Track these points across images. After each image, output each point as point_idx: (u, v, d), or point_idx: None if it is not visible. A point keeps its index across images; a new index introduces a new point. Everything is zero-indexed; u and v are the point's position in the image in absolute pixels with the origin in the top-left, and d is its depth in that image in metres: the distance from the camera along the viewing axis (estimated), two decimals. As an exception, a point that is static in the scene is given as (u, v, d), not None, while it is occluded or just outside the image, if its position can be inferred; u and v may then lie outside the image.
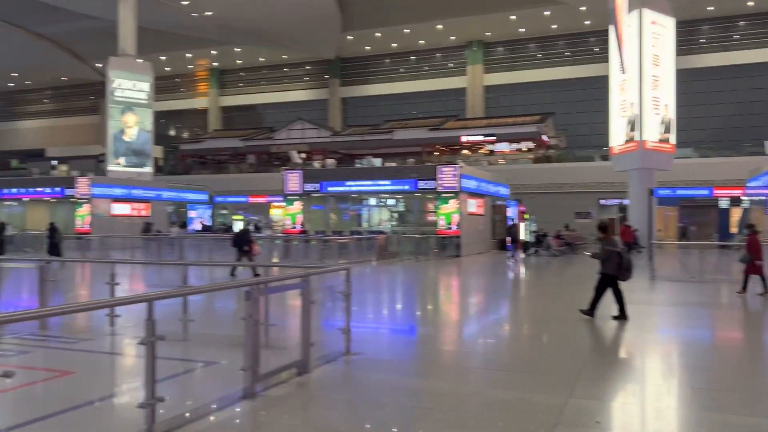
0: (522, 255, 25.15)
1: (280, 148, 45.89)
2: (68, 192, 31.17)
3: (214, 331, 8.83)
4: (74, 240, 27.82)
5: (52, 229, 22.68)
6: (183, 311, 7.89)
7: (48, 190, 32.39)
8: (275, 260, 22.36)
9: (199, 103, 58.61)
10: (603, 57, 42.66)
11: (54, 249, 21.84)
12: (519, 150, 40.46)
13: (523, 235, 28.24)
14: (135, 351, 7.14)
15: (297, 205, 28.07)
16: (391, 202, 30.27)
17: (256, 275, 13.87)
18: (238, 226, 39.67)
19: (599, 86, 37.33)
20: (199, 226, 37.61)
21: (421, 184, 25.72)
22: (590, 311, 9.54)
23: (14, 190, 33.07)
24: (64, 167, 40.08)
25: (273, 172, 39.87)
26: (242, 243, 15.51)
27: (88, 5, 39.67)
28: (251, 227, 20.56)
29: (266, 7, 39.60)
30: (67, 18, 42.51)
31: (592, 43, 45.39)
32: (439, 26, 45.58)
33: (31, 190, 32.96)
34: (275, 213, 37.86)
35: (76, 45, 49.70)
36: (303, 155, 43.58)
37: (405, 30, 46.48)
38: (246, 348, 5.20)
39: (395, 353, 7.54)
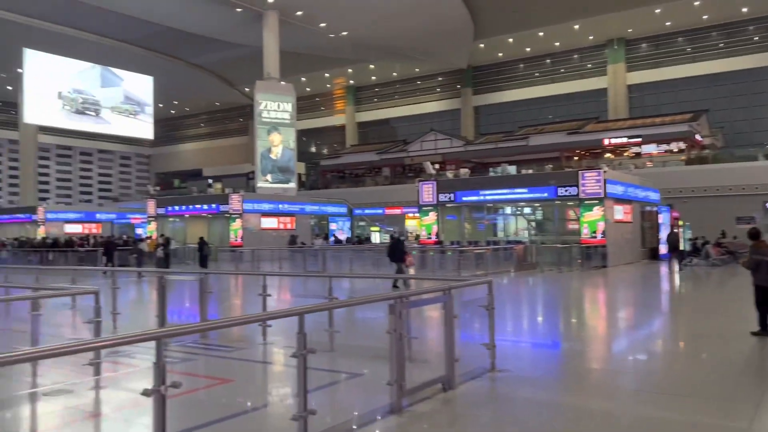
0: (678, 265, 23.25)
1: (413, 159, 46.47)
2: (223, 208, 33.68)
3: (358, 342, 9.01)
4: (228, 252, 29.98)
5: (202, 243, 24.72)
6: (329, 322, 8.13)
7: (205, 206, 35.23)
8: (411, 272, 22.54)
9: (337, 120, 61.09)
10: (764, 46, 38.48)
11: (203, 261, 23.80)
12: (669, 151, 37.63)
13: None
14: (285, 360, 7.44)
15: (431, 216, 28.17)
16: (527, 210, 29.42)
17: (395, 287, 14.02)
18: (375, 237, 40.84)
19: (761, 78, 33.82)
20: (342, 237, 39.05)
21: (561, 191, 24.70)
22: (763, 330, 8.56)
23: (177, 207, 36.34)
24: (218, 185, 43.44)
25: (407, 184, 40.42)
26: (397, 254, 15.58)
27: (236, 35, 42.87)
28: (403, 237, 20.78)
29: (400, 23, 40.43)
30: (218, 48, 46.28)
31: (750, 32, 41.27)
32: (576, 26, 43.82)
33: (191, 207, 36.03)
34: (410, 224, 38.33)
35: (226, 72, 53.95)
36: (436, 166, 43.79)
37: (539, 33, 45.23)
38: (391, 362, 5.20)
39: (542, 370, 7.20)
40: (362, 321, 11.36)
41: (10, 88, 51.62)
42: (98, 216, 44.91)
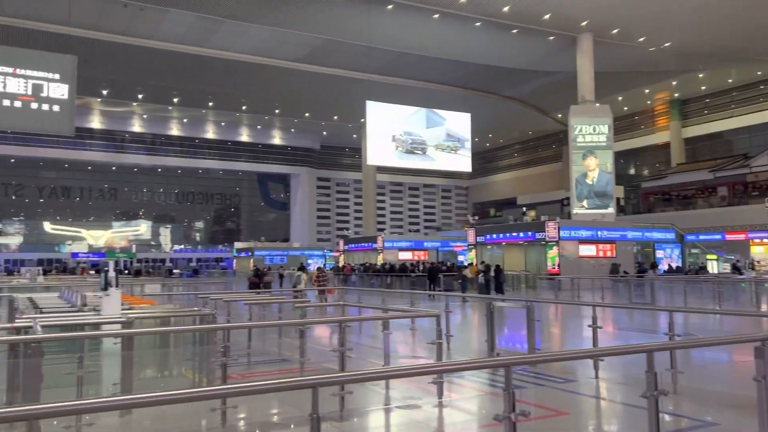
0: None
1: (757, 176, 40.01)
2: (538, 236, 33.73)
3: (705, 387, 7.97)
4: (546, 280, 29.79)
5: (498, 270, 25.11)
6: (670, 361, 7.38)
7: (521, 234, 35.74)
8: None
9: (658, 137, 56.34)
10: None
11: (499, 288, 24.16)
12: None
13: None
14: (623, 397, 6.98)
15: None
16: None
17: None
18: (712, 266, 36.03)
19: None
20: (665, 267, 35.59)
21: None
22: None
23: (494, 235, 37.65)
24: (532, 213, 43.72)
25: (752, 204, 34.91)
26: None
27: (548, 63, 43.05)
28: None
29: (731, 24, 35.65)
30: (530, 78, 47.09)
31: None
32: None
33: (507, 234, 36.95)
34: (757, 251, 32.89)
35: (539, 100, 54.42)
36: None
37: None
38: (761, 415, 4.45)
39: None
40: (709, 361, 10.04)
41: (355, 136, 60.54)
42: (425, 244, 49.15)
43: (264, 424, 6.31)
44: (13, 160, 61.30)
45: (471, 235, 38.22)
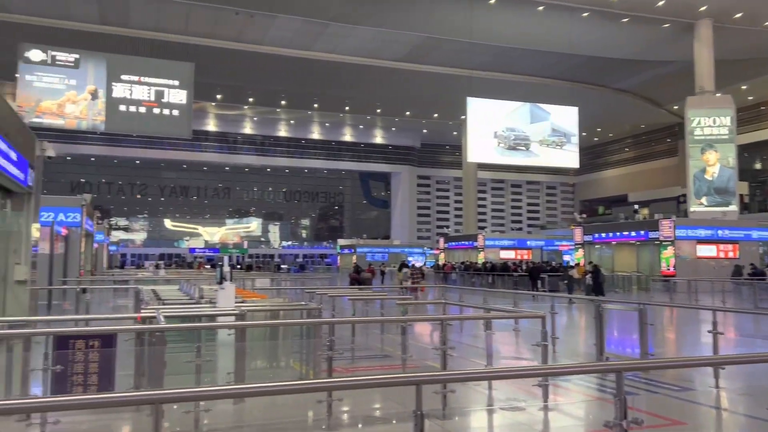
0: None
1: None
2: (651, 235, 31.94)
3: None
4: (660, 282, 28.19)
5: (596, 270, 23.87)
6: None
7: (633, 233, 34.00)
8: None
9: (790, 128, 51.58)
10: None
11: (598, 289, 22.91)
12: None
13: None
14: (748, 409, 6.48)
15: None
16: None
17: None
18: None
19: None
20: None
21: None
22: None
23: (603, 234, 36.08)
24: (645, 210, 41.53)
25: None
26: None
27: (662, 52, 40.63)
28: None
29: None
30: (642, 68, 44.65)
31: None
32: None
33: (617, 234, 35.30)
34: None
35: (651, 92, 51.48)
36: None
37: None
38: None
39: None
40: None
41: (455, 133, 60.19)
42: (528, 243, 48.01)
43: (368, 417, 6.43)
44: (138, 162, 66.34)
45: (578, 233, 36.90)
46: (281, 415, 6.57)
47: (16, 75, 28.89)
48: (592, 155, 70.95)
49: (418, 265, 39.33)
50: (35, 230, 12.45)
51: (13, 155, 9.96)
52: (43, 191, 16.37)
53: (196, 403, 5.44)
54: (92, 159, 63.90)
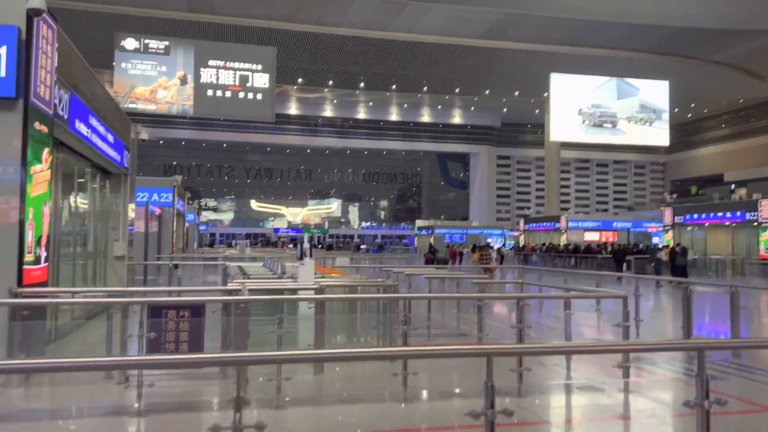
0: None
1: None
2: (749, 216, 30.02)
3: None
4: (758, 266, 26.54)
5: (682, 251, 22.59)
6: None
7: (728, 214, 32.11)
8: None
9: None
10: None
11: (683, 272, 21.68)
12: None
13: None
14: None
15: None
16: None
17: None
18: None
19: None
20: None
21: None
22: None
23: (695, 216, 34.27)
24: (742, 190, 39.01)
25: None
26: None
27: (763, 21, 37.73)
28: None
29: None
30: (740, 39, 41.62)
31: None
32: None
33: (710, 215, 33.43)
34: None
35: (751, 64, 47.97)
36: None
37: None
38: None
39: None
40: None
41: (537, 111, 58.63)
42: (615, 224, 46.28)
43: (443, 393, 6.51)
44: (225, 145, 68.98)
45: (668, 214, 35.26)
46: (358, 387, 6.78)
47: (113, 63, 30.69)
48: (685, 132, 67.19)
49: (496, 246, 38.87)
50: (131, 210, 13.29)
51: (111, 138, 10.65)
52: (138, 173, 17.42)
53: (278, 372, 5.70)
54: (183, 142, 67.02)
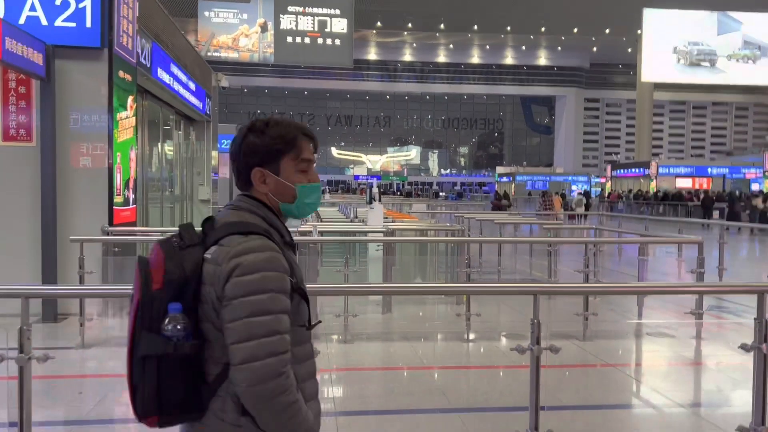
0: None
1: None
2: None
3: None
4: None
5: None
6: None
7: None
8: None
9: None
10: None
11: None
12: None
13: None
14: None
15: None
16: None
17: None
18: None
19: None
20: None
21: None
22: None
23: (801, 161, 31.78)
24: None
25: None
26: None
27: None
28: None
29: None
30: None
31: None
32: None
33: (819, 160, 30.88)
34: None
35: None
36: None
37: None
38: None
39: None
40: None
41: (630, 50, 55.31)
42: (710, 170, 43.69)
43: (503, 333, 6.59)
44: (306, 93, 69.85)
45: (769, 159, 32.93)
46: (421, 326, 7.00)
47: (197, 12, 31.51)
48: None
49: (579, 193, 37.73)
50: (214, 157, 13.90)
51: (192, 85, 11.09)
52: (224, 121, 18.04)
53: (346, 307, 5.96)
54: (266, 90, 68.43)
